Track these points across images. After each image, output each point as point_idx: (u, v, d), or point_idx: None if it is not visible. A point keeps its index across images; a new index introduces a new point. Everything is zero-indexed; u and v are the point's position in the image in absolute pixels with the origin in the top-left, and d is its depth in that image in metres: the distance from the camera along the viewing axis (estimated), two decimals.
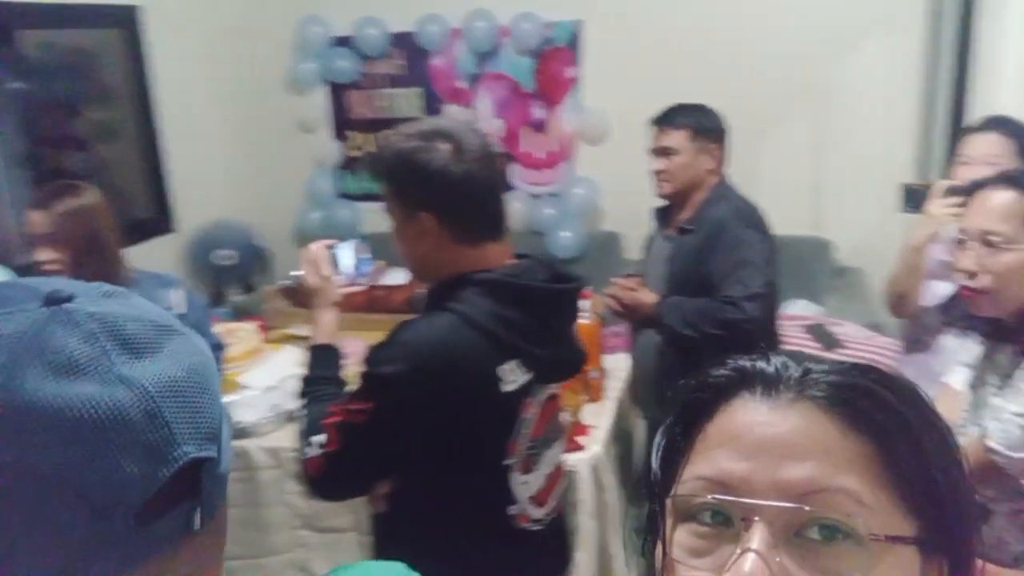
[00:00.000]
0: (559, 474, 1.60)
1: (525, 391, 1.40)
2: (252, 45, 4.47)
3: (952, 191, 1.93)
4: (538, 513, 1.50)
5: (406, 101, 4.47)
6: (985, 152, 2.04)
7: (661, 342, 2.36)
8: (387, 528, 1.51)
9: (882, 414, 0.55)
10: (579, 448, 2.20)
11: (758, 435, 0.56)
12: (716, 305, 2.20)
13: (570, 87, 4.24)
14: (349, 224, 4.56)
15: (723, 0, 3.94)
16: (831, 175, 4.03)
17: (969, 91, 2.86)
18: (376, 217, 4.39)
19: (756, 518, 0.53)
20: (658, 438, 0.64)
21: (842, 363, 0.59)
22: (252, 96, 4.55)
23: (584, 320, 2.03)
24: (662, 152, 2.38)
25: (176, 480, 0.53)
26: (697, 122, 2.36)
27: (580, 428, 2.26)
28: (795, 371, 0.58)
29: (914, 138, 3.69)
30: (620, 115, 4.06)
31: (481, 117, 4.29)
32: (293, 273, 1.63)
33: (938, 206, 1.94)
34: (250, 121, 4.55)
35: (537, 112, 4.33)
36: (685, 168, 2.35)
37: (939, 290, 2.11)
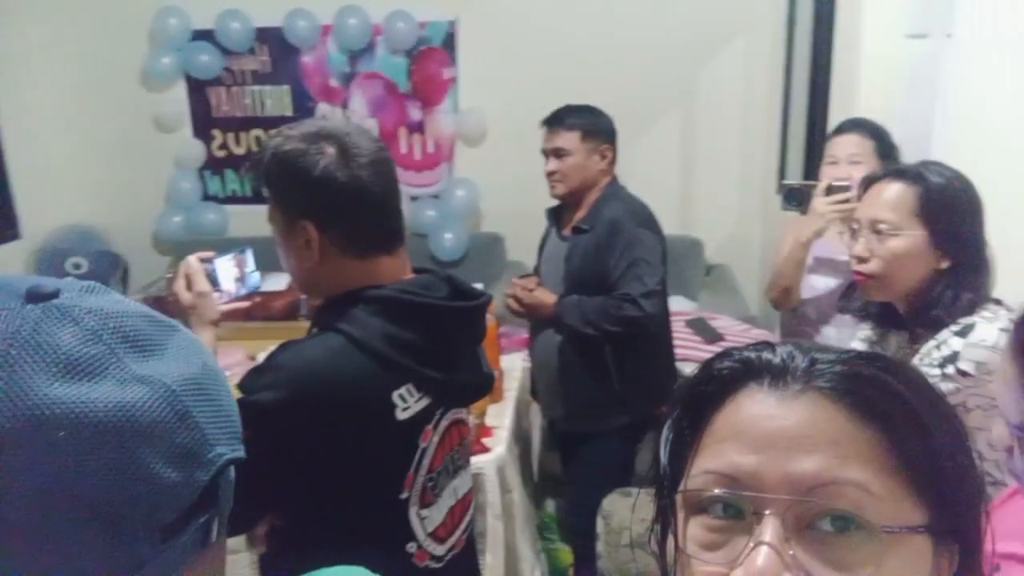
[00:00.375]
0: (465, 506, 1.47)
1: (424, 418, 1.29)
2: (104, 36, 4.17)
3: (832, 189, 2.06)
4: (439, 550, 1.38)
5: (275, 99, 4.32)
6: (848, 152, 2.19)
7: (561, 340, 2.38)
8: (270, 569, 1.38)
9: (889, 403, 0.56)
10: (485, 450, 2.19)
11: (766, 428, 0.56)
12: (614, 303, 2.24)
13: (447, 88, 4.21)
14: (214, 228, 4.35)
15: (594, 2, 4.03)
16: (699, 176, 4.22)
17: (829, 94, 3.06)
18: (244, 220, 4.24)
19: (767, 511, 0.53)
20: (665, 432, 0.63)
21: (848, 352, 0.60)
22: (104, 91, 4.24)
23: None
24: (554, 153, 2.40)
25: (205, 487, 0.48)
26: (588, 123, 2.39)
27: (485, 430, 2.25)
28: (802, 361, 0.58)
29: (774, 139, 3.91)
30: (497, 116, 4.08)
31: (355, 117, 4.20)
32: (169, 275, 1.50)
33: (823, 203, 2.06)
34: (103, 118, 4.25)
35: (414, 113, 4.28)
36: (577, 168, 2.38)
37: (815, 283, 2.24)
